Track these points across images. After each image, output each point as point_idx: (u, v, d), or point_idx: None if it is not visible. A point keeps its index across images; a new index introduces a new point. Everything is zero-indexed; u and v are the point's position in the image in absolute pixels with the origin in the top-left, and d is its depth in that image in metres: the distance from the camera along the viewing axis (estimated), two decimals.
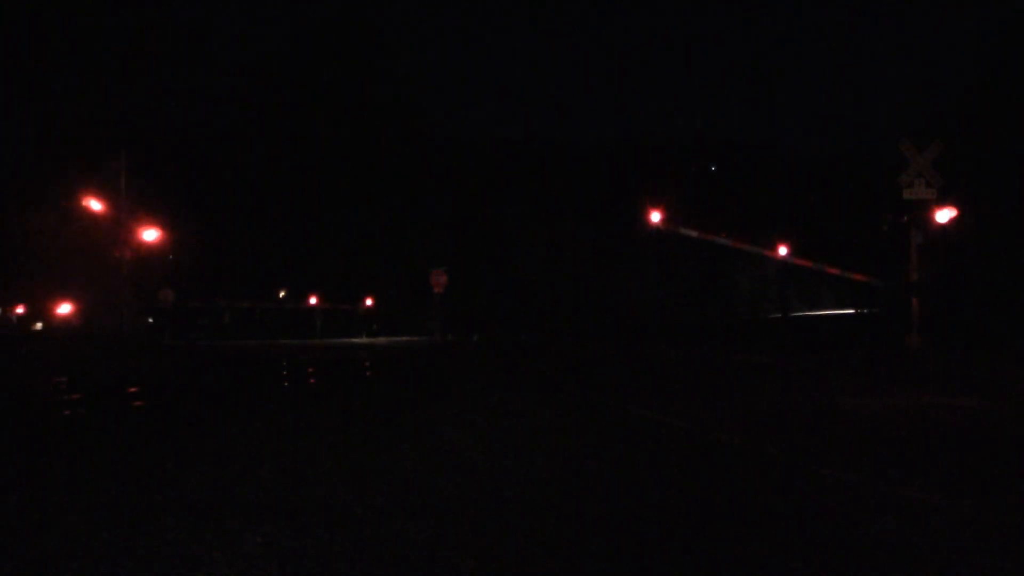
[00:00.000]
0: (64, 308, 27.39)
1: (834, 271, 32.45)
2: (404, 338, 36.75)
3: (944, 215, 17.28)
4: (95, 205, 26.71)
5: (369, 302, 38.59)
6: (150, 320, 37.35)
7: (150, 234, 27.60)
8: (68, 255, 27.95)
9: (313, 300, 39.12)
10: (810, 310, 47.88)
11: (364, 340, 36.45)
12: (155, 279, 34.20)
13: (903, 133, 19.06)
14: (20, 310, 29.53)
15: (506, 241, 47.30)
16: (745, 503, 4.35)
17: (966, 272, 24.38)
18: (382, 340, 35.32)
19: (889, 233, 24.59)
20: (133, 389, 11.21)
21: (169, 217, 33.40)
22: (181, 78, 39.46)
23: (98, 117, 33.60)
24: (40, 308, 29.37)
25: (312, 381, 12.64)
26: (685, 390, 10.12)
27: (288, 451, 6.04)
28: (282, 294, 43.96)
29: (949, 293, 22.59)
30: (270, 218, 44.33)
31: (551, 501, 4.39)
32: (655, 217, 29.10)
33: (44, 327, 29.16)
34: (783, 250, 32.63)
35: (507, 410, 8.45)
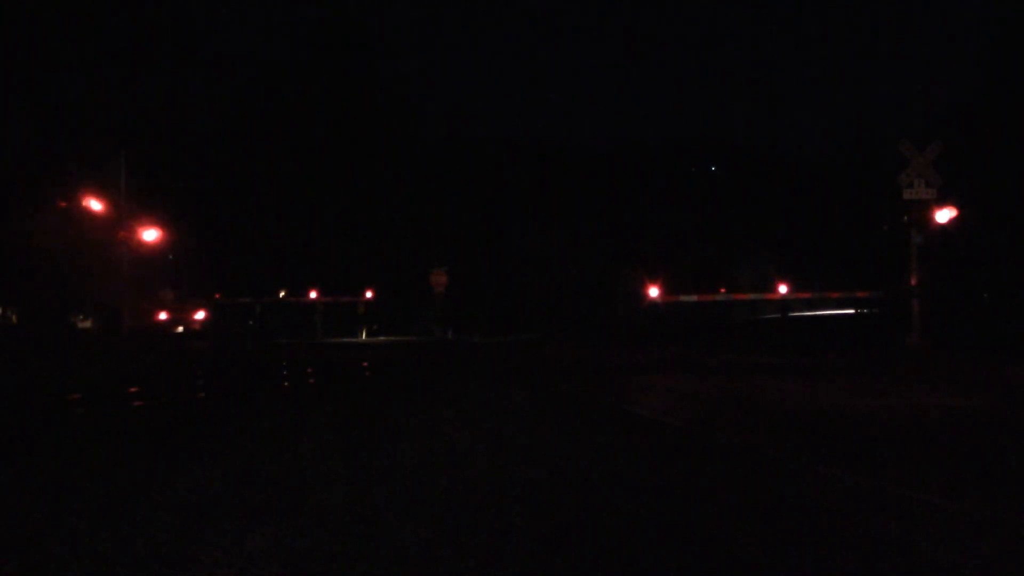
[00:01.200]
0: (199, 315, 30.60)
1: (835, 295, 32.65)
2: (404, 338, 36.74)
3: (944, 215, 17.26)
4: (96, 205, 26.79)
5: (369, 294, 39.07)
6: (250, 322, 39.94)
7: (150, 234, 27.64)
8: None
9: (313, 295, 39.34)
10: (811, 310, 47.83)
11: (364, 340, 36.47)
12: (155, 278, 34.53)
13: (903, 133, 19.05)
14: (163, 316, 33.91)
15: (506, 241, 47.29)
16: (744, 502, 4.35)
17: (966, 272, 24.36)
18: (382, 340, 35.35)
19: (889, 234, 24.56)
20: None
21: (169, 216, 33.48)
22: (181, 78, 39.45)
23: (98, 117, 33.65)
24: (180, 315, 34.36)
25: (311, 381, 12.64)
26: (684, 390, 10.11)
27: (288, 451, 6.04)
28: (282, 294, 44.10)
29: (949, 294, 22.57)
30: (270, 218, 44.35)
31: (551, 501, 4.39)
32: (653, 292, 29.83)
33: (185, 330, 33.76)
34: (783, 288, 33.01)
35: (506, 409, 8.45)
